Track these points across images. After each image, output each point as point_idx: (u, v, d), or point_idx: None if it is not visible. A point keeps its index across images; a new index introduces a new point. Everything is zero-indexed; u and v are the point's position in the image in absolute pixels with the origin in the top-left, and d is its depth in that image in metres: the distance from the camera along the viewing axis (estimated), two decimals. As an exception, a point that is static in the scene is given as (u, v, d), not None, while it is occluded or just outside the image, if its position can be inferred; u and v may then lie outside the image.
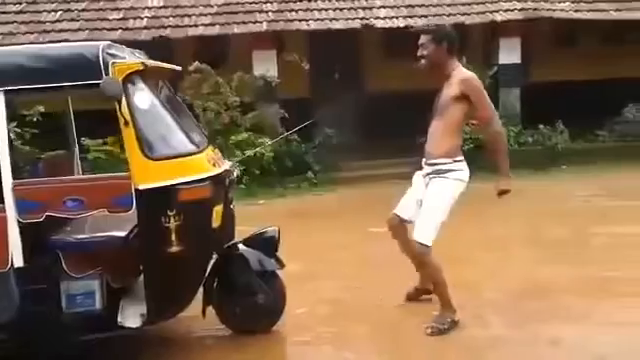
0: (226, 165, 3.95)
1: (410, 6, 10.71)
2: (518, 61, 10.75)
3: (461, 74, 3.91)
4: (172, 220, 3.40)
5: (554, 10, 10.60)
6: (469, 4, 10.72)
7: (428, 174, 3.98)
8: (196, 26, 10.30)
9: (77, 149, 4.76)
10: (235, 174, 4.06)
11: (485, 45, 11.30)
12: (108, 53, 3.38)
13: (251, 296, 3.93)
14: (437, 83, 4.03)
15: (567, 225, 6.44)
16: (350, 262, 5.46)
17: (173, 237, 3.42)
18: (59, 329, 3.50)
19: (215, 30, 10.22)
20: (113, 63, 3.35)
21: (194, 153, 3.63)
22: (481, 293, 4.48)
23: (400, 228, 4.17)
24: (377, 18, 10.42)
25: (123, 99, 3.30)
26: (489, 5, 10.69)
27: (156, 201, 3.39)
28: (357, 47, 11.98)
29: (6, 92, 3.36)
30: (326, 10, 10.63)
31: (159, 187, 3.37)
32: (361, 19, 10.39)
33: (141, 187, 3.34)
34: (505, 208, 6.84)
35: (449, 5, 10.74)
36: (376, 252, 5.34)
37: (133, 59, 3.55)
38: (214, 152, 3.97)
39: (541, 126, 10.35)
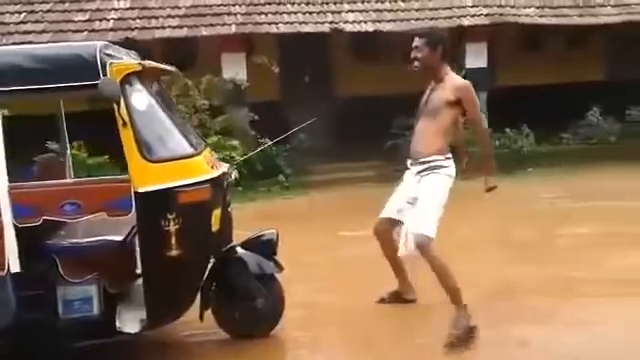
0: (224, 167, 3.90)
1: (378, 11, 10.80)
2: (485, 65, 10.93)
3: (456, 81, 4.02)
4: (172, 223, 3.35)
5: (519, 15, 10.79)
6: (436, 9, 10.85)
7: (419, 172, 4.02)
8: (163, 28, 10.19)
9: (69, 152, 4.67)
10: (233, 176, 4.00)
11: (452, 49, 11.43)
12: (105, 53, 3.33)
13: (250, 300, 3.86)
14: (423, 84, 4.14)
15: (533, 226, 6.56)
16: (323, 265, 5.48)
17: (173, 240, 3.37)
18: (56, 335, 3.43)
19: (183, 32, 10.13)
20: (111, 64, 3.29)
21: (193, 155, 3.58)
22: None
23: (387, 232, 4.22)
24: (346, 22, 10.47)
25: (121, 100, 3.25)
26: (456, 10, 10.83)
27: (156, 204, 3.35)
28: (327, 50, 12.02)
29: None
30: (295, 13, 10.63)
31: (159, 190, 3.32)
32: (330, 23, 10.42)
33: (140, 190, 3.29)
34: (472, 210, 6.98)
35: (417, 10, 10.85)
36: (348, 255, 5.36)
37: (130, 60, 3.51)
38: (211, 154, 3.95)
39: (507, 129, 10.52)
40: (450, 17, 10.65)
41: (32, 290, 3.35)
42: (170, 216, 3.34)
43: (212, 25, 10.26)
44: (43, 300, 3.41)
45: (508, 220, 6.92)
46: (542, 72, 11.87)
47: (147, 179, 3.31)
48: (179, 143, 3.60)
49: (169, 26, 10.23)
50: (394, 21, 10.55)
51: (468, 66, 10.85)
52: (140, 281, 3.63)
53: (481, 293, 4.51)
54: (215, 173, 3.63)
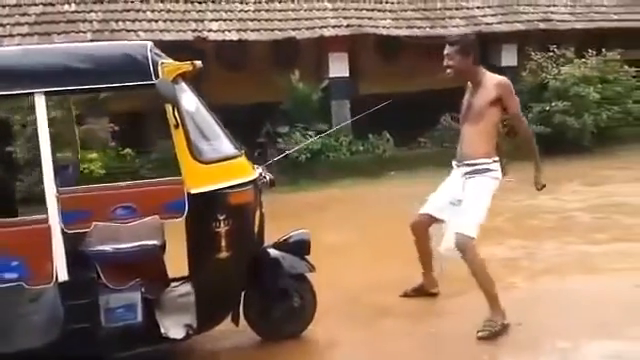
0: (259, 169, 3.84)
1: (242, 20, 10.81)
2: (347, 75, 11.30)
3: (494, 78, 4.05)
4: (222, 225, 3.33)
5: (377, 27, 11.31)
6: (299, 19, 11.07)
7: (467, 173, 4.06)
8: (12, 36, 9.50)
9: (79, 156, 4.36)
10: (267, 178, 3.85)
11: (316, 59, 11.73)
12: (155, 53, 3.27)
13: (288, 300, 3.86)
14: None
15: (394, 226, 6.82)
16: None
17: (223, 242, 3.35)
18: (101, 345, 3.26)
19: (34, 40, 9.48)
20: (162, 63, 3.23)
21: (238, 156, 3.55)
22: (321, 296, 4.59)
23: (424, 228, 4.32)
24: (210, 30, 10.37)
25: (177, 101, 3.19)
26: (317, 21, 11.12)
27: (207, 205, 3.31)
28: (195, 59, 11.79)
29: (47, 93, 3.12)
30: (156, 21, 10.35)
31: (210, 191, 3.29)
32: (193, 31, 10.27)
33: (193, 191, 3.25)
34: (334, 214, 7.15)
35: (280, 20, 11.00)
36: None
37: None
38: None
39: (370, 135, 10.96)
40: (312, 27, 10.91)
41: (78, 299, 3.16)
42: (220, 217, 3.32)
43: (65, 32, 9.72)
44: (89, 309, 3.21)
45: (373, 221, 7.17)
46: (400, 81, 12.47)
47: (199, 180, 3.27)
48: (224, 144, 3.57)
49: (18, 34, 9.57)
50: (258, 30, 10.62)
51: (331, 75, 11.19)
52: (174, 286, 3.62)
53: (349, 292, 4.66)
54: (255, 174, 3.62)
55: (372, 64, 12.64)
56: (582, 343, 3.76)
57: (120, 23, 10.11)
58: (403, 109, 11.60)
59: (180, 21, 10.47)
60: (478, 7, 12.41)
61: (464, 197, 4.02)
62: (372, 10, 11.67)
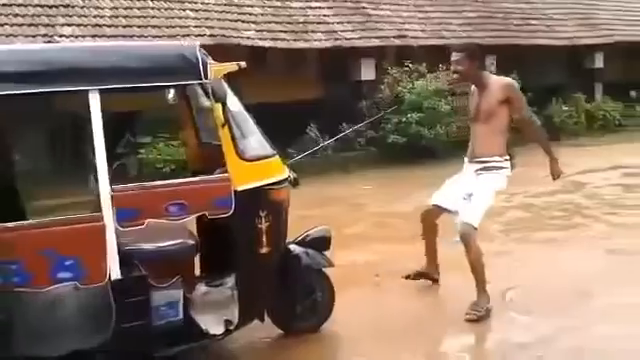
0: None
1: (98, 25, 10.29)
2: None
3: (501, 80, 4.43)
4: (264, 221, 3.47)
5: (241, 37, 11.29)
6: (159, 27, 10.75)
7: (479, 169, 4.37)
8: None
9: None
10: (292, 176, 3.93)
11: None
12: (204, 53, 3.35)
13: (311, 294, 4.00)
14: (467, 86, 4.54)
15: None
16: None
17: (264, 238, 3.49)
18: (149, 344, 3.27)
19: None
20: (210, 64, 3.32)
21: (274, 155, 3.70)
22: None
23: (433, 219, 4.63)
24: (62, 36, 9.76)
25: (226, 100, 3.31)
26: (179, 29, 10.87)
27: (251, 202, 3.41)
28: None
29: (102, 91, 3.12)
30: (2, 25, 9.57)
31: (254, 188, 3.42)
32: (43, 36, 9.61)
33: (239, 188, 3.35)
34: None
35: (139, 27, 10.60)
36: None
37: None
38: None
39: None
40: (174, 36, 10.65)
41: (131, 297, 3.17)
42: (262, 213, 3.46)
43: None
44: (140, 307, 3.22)
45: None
46: (269, 91, 12.55)
47: (243, 177, 3.39)
48: (262, 143, 3.70)
49: None
50: (115, 37, 10.16)
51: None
52: (205, 283, 3.69)
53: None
54: (287, 172, 3.75)
55: (243, 74, 12.57)
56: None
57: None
58: (270, 120, 11.70)
59: (30, 25, 9.75)
60: (338, 22, 12.82)
61: (475, 191, 4.33)
62: (236, 21, 11.64)
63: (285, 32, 11.92)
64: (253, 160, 3.51)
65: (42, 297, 3.09)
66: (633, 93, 15.23)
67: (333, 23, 12.75)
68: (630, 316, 4.32)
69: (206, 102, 3.88)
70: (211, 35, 10.88)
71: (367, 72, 12.76)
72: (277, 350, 4.00)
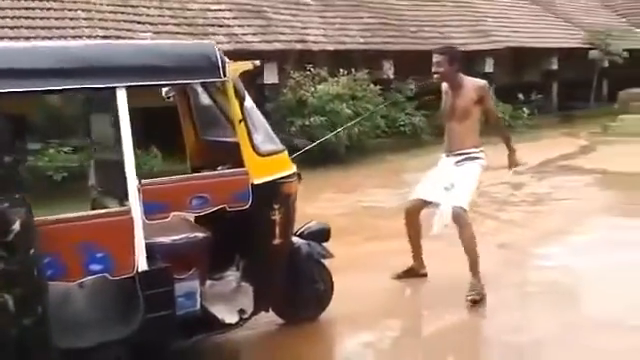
0: None
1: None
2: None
3: (475, 82, 4.78)
4: (277, 213, 3.62)
5: (137, 39, 10.92)
6: (49, 28, 10.23)
7: (459, 161, 4.68)
8: None
9: None
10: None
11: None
12: (221, 52, 3.47)
13: (313, 284, 4.17)
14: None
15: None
16: None
17: (277, 229, 3.65)
18: (172, 334, 3.38)
19: None
20: (228, 62, 3.45)
21: (282, 151, 3.83)
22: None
23: (417, 213, 4.84)
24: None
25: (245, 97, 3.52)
26: (70, 30, 10.37)
27: (266, 195, 3.55)
28: None
29: (128, 88, 3.20)
30: None
31: (269, 182, 3.57)
32: None
33: (256, 182, 3.49)
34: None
35: (27, 28, 10.03)
36: None
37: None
38: None
39: (139, 151, 10.50)
40: (64, 37, 10.15)
41: (156, 288, 3.24)
42: (275, 206, 3.62)
43: None
44: (165, 298, 3.29)
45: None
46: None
47: (259, 171, 3.53)
48: (272, 138, 3.85)
49: None
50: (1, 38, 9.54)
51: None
52: (217, 275, 3.82)
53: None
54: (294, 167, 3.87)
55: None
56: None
57: None
58: (168, 124, 11.41)
59: None
60: (239, 25, 12.73)
61: (457, 179, 4.60)
62: (131, 22, 11.26)
63: (184, 34, 11.67)
64: (267, 155, 3.65)
65: (74, 289, 3.34)
66: (521, 96, 16.21)
67: (234, 26, 12.64)
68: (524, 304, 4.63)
69: (206, 100, 4.23)
70: (104, 36, 10.46)
71: (270, 76, 12.74)
72: (279, 339, 4.14)
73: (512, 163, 4.95)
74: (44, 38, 9.84)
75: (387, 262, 5.36)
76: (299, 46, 13.04)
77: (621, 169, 9.97)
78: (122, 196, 3.30)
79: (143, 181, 3.25)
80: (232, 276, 3.94)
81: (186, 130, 4.53)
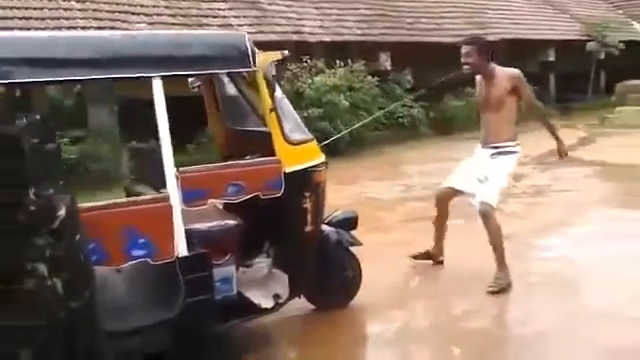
0: None
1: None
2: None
3: (507, 71, 4.65)
4: (308, 201, 3.70)
5: (132, 30, 10.81)
6: (42, 18, 10.09)
7: (494, 154, 4.66)
8: None
9: None
10: None
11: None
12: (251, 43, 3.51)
13: (344, 271, 4.24)
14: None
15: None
16: None
17: (308, 217, 3.72)
18: (211, 319, 3.45)
19: None
20: (257, 52, 3.50)
21: (311, 139, 3.87)
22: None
23: (447, 201, 4.89)
24: None
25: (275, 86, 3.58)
26: (64, 21, 10.25)
27: (298, 183, 3.62)
28: None
29: (163, 77, 3.28)
30: None
31: (300, 170, 3.64)
32: None
33: (287, 170, 3.55)
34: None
35: (20, 18, 9.90)
36: None
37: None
38: None
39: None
40: (59, 27, 10.02)
41: (196, 273, 3.32)
42: (307, 194, 3.70)
43: None
44: (205, 282, 3.37)
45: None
46: (166, 85, 12.12)
47: (290, 160, 3.59)
48: (302, 128, 3.88)
49: None
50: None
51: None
52: (251, 260, 3.95)
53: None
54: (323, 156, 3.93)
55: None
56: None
57: None
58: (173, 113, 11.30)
59: None
60: (235, 16, 12.62)
61: (490, 173, 4.60)
62: (125, 12, 11.14)
63: (179, 25, 11.55)
64: (297, 144, 3.70)
65: (116, 273, 3.45)
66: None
67: (229, 17, 12.53)
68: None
69: (232, 89, 4.36)
70: (98, 27, 10.33)
71: (265, 67, 12.61)
72: (308, 325, 4.24)
73: (561, 152, 4.92)
74: (37, 29, 9.71)
75: (393, 253, 5.39)
76: (295, 37, 12.94)
77: (619, 161, 9.95)
78: (159, 183, 3.38)
79: (181, 169, 3.33)
80: (263, 262, 4.03)
81: (212, 119, 4.61)
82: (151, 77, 3.28)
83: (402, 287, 4.96)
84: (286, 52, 3.81)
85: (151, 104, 3.32)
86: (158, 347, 3.31)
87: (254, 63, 3.50)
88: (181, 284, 3.31)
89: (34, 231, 2.72)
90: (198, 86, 4.44)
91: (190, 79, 4.30)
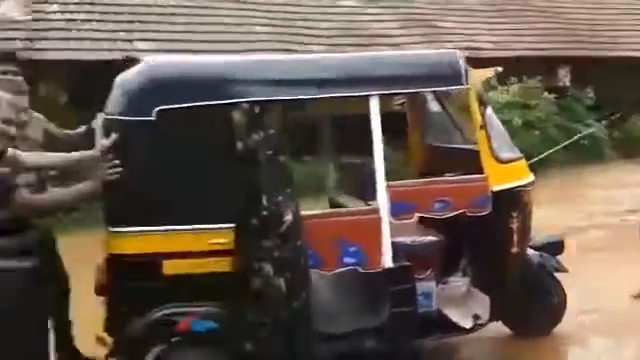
0: None
1: (172, 40, 10.45)
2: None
3: None
4: (515, 221, 3.61)
5: (306, 51, 11.28)
6: (235, 42, 10.86)
7: None
8: None
9: None
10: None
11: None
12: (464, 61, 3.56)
13: (549, 297, 4.12)
14: None
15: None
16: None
17: (515, 238, 3.63)
18: (414, 331, 3.48)
19: None
20: (470, 70, 3.55)
21: (520, 158, 3.84)
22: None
23: None
24: (138, 50, 9.94)
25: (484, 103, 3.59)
26: (252, 44, 10.94)
27: (505, 203, 3.56)
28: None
29: (380, 96, 3.39)
30: (82, 40, 9.84)
31: (508, 189, 3.57)
32: (121, 50, 9.82)
33: (495, 188, 3.50)
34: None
35: (213, 42, 10.71)
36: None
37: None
38: None
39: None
40: (249, 50, 10.71)
41: (401, 285, 3.39)
42: (514, 214, 3.61)
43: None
44: (409, 295, 3.42)
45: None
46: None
47: (498, 178, 3.54)
48: (511, 146, 3.86)
49: None
50: (188, 51, 10.28)
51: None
52: (451, 278, 3.92)
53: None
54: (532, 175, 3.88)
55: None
56: None
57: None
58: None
59: (108, 40, 9.99)
60: (403, 35, 12.66)
61: None
62: (305, 35, 11.66)
63: (353, 46, 11.82)
64: (506, 162, 3.65)
65: (332, 278, 3.55)
66: None
67: (398, 36, 12.62)
68: None
69: (435, 106, 4.38)
70: (283, 49, 10.91)
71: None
72: (507, 349, 4.17)
73: None
74: (229, 52, 10.47)
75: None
76: (467, 54, 12.66)
77: None
78: (367, 196, 3.51)
79: (390, 183, 3.40)
80: (460, 281, 3.98)
81: (412, 135, 4.65)
82: (369, 96, 3.39)
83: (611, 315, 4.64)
84: (500, 69, 3.80)
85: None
86: (360, 352, 3.41)
87: (467, 80, 3.52)
88: (387, 294, 3.39)
89: (265, 234, 3.00)
90: (402, 103, 4.52)
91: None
